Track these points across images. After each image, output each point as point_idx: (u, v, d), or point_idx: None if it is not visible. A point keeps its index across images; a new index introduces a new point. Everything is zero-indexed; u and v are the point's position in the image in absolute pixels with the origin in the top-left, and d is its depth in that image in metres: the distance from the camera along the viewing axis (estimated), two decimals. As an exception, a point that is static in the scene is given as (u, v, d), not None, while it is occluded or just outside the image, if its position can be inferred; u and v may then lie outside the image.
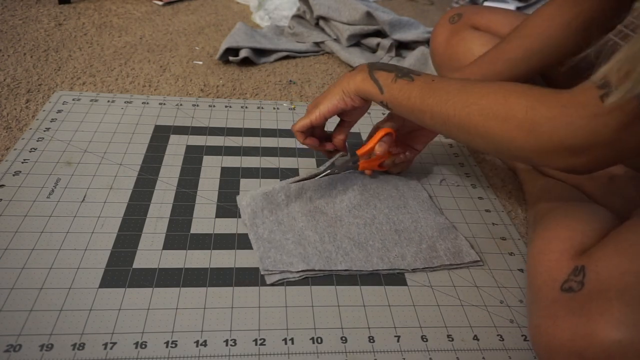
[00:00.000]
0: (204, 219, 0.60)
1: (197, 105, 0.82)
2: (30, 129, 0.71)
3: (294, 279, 0.53)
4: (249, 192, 0.61)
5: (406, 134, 0.65)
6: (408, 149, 0.67)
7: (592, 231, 0.51)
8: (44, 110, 0.75)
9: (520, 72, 0.62)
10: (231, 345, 0.46)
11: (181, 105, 0.82)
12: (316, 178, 0.62)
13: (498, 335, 0.51)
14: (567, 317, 0.42)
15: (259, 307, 0.50)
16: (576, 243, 0.50)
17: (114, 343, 0.45)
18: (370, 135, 0.64)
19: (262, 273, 0.53)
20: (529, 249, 0.56)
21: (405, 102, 0.53)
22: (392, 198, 0.64)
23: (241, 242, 0.57)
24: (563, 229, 0.52)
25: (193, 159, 0.70)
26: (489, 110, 0.46)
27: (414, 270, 0.55)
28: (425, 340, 0.49)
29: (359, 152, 0.63)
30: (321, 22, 1.13)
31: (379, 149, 0.61)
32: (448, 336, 0.50)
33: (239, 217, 0.61)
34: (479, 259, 0.58)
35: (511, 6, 1.37)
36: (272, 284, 0.52)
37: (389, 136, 0.62)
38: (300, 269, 0.53)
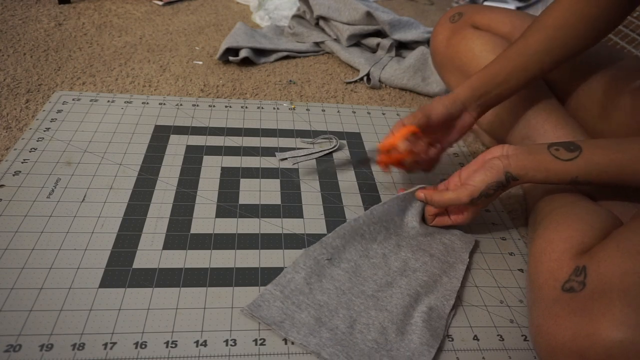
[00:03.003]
0: (204, 219, 0.60)
1: (197, 105, 0.82)
2: (30, 129, 0.71)
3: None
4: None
5: (431, 133, 0.63)
6: (433, 146, 0.64)
7: (593, 231, 0.51)
8: (44, 110, 0.75)
9: (545, 65, 0.61)
10: (231, 345, 0.46)
11: (181, 105, 0.82)
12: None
13: (498, 335, 0.51)
14: (569, 316, 0.42)
15: (259, 307, 0.50)
16: (577, 243, 0.50)
17: (114, 343, 0.45)
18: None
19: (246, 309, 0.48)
20: (530, 249, 0.56)
21: (607, 161, 0.50)
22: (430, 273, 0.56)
23: (241, 242, 0.57)
24: (564, 229, 0.52)
25: (193, 159, 0.70)
26: None
27: None
28: (425, 340, 0.49)
29: (380, 145, 0.60)
30: (321, 22, 1.13)
31: (401, 146, 0.59)
32: (448, 336, 0.50)
33: (239, 217, 0.61)
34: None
35: (511, 6, 1.37)
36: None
37: (414, 135, 0.60)
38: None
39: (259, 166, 0.70)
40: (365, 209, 0.64)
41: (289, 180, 0.68)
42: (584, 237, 0.50)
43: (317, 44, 1.11)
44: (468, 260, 0.58)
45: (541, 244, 0.53)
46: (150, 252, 0.54)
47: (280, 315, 0.48)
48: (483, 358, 0.48)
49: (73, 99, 0.79)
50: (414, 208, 0.61)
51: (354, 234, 0.57)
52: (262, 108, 0.84)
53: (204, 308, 0.49)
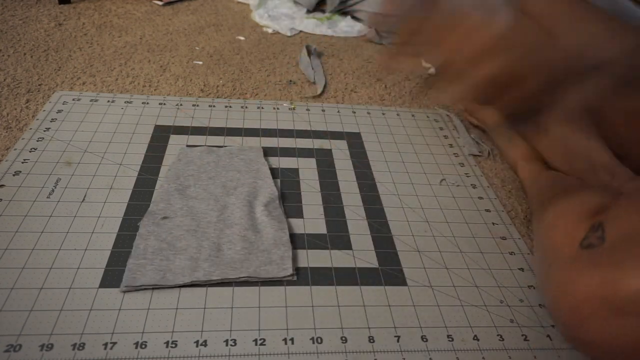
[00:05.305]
0: (204, 219, 0.60)
1: (197, 105, 0.82)
2: (30, 129, 0.71)
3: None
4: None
5: None
6: None
7: (603, 198, 0.52)
8: (44, 110, 0.75)
9: None
10: (231, 345, 0.46)
11: (181, 105, 0.82)
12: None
13: (498, 335, 0.51)
14: (591, 269, 0.43)
15: (259, 307, 0.50)
16: (592, 206, 0.51)
17: (114, 343, 0.45)
18: None
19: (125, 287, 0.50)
20: (541, 223, 0.56)
21: None
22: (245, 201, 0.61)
23: (241, 242, 0.57)
24: (578, 196, 0.54)
25: (193, 159, 0.69)
26: None
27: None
28: (425, 340, 0.49)
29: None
30: None
31: None
32: (448, 336, 0.50)
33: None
34: (290, 274, 0.53)
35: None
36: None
37: None
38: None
39: (259, 166, 0.70)
40: (365, 209, 0.64)
41: (289, 180, 0.68)
42: (601, 198, 0.51)
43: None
44: (266, 162, 0.69)
45: (556, 211, 0.54)
46: (150, 252, 0.54)
47: (158, 273, 0.51)
48: (483, 358, 0.49)
49: (73, 99, 0.79)
50: (197, 151, 0.70)
51: (168, 194, 0.61)
52: (262, 108, 0.84)
53: (204, 308, 0.49)
